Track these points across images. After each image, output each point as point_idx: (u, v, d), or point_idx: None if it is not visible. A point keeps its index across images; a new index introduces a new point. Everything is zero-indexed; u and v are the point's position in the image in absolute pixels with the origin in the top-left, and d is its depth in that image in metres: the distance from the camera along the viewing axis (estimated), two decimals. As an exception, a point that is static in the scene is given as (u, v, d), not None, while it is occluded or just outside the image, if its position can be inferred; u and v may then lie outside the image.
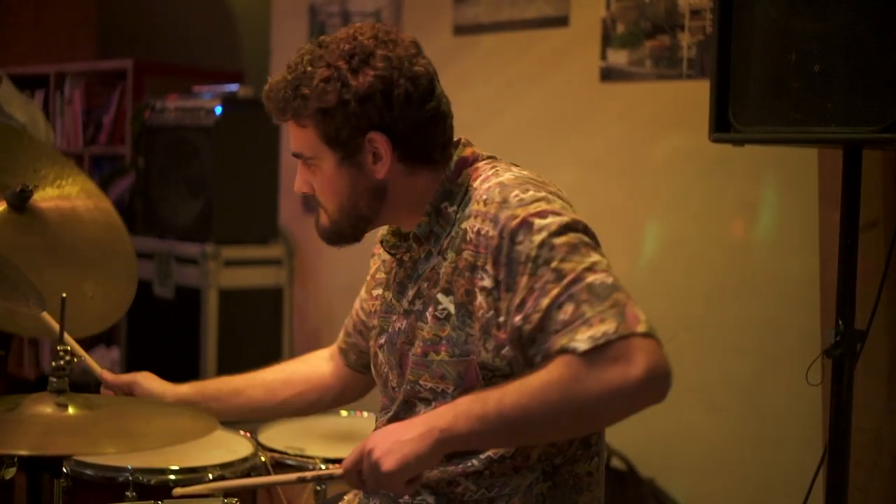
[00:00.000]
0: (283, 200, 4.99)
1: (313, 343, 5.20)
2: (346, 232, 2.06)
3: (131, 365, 4.90)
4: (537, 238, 1.84)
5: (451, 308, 1.96)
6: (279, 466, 2.75)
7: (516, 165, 2.06)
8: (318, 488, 2.68)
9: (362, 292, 2.33)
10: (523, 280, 1.84)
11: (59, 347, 1.78)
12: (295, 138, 2.03)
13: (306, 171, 2.05)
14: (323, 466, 2.69)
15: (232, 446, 2.79)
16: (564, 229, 1.85)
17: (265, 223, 4.86)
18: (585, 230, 1.89)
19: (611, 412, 1.81)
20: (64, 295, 1.80)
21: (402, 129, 1.97)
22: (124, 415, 1.85)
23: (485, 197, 1.94)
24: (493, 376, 1.92)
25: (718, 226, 3.77)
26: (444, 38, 4.46)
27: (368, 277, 2.29)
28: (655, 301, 3.99)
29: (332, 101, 1.94)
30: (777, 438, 3.58)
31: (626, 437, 3.20)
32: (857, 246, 2.47)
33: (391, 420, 2.07)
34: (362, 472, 1.85)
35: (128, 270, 2.26)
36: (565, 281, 1.81)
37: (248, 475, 2.70)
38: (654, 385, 1.78)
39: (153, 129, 4.91)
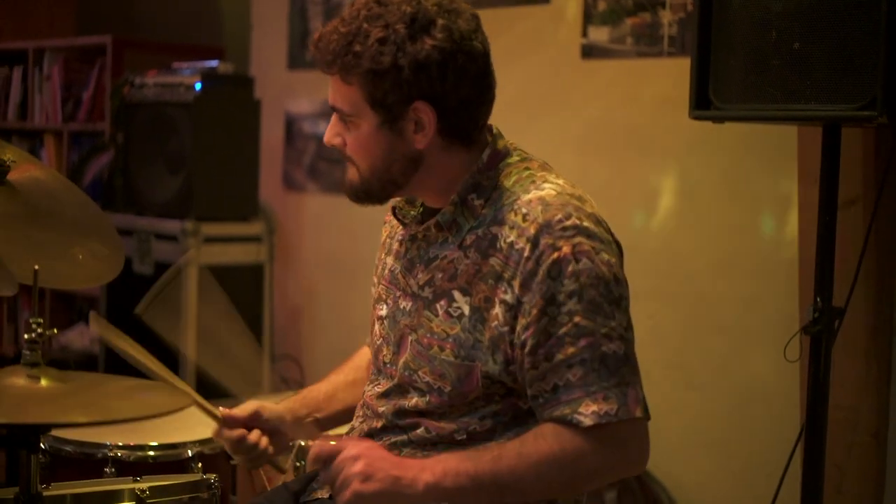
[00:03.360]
0: (264, 177, 4.97)
1: (294, 320, 5.21)
2: (374, 191, 2.01)
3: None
4: (570, 284, 1.85)
5: (466, 309, 1.94)
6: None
7: (548, 168, 2.05)
8: (298, 465, 2.67)
9: (377, 260, 2.26)
10: (542, 320, 1.86)
11: (31, 321, 1.77)
12: (336, 92, 1.96)
13: (341, 125, 1.99)
14: (302, 443, 2.69)
15: (211, 422, 2.78)
16: (596, 282, 1.86)
17: (245, 200, 4.84)
18: (609, 283, 1.88)
19: (597, 484, 1.94)
20: (36, 267, 1.79)
21: (451, 103, 1.93)
22: (97, 387, 1.85)
23: (524, 211, 1.91)
24: (492, 384, 1.93)
25: (698, 203, 3.77)
26: (425, 15, 4.45)
27: (381, 247, 2.24)
28: (635, 278, 3.98)
29: (386, 65, 1.88)
30: (755, 415, 3.59)
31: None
32: (836, 223, 2.48)
33: (381, 396, 2.07)
34: (332, 466, 1.85)
35: (112, 239, 2.25)
36: (582, 343, 1.84)
37: (227, 452, 2.69)
38: (641, 466, 1.92)
39: (132, 106, 4.88)
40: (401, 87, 1.90)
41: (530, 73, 4.15)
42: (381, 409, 2.06)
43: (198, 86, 4.59)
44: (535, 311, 1.86)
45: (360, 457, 1.84)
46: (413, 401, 2.00)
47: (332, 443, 1.89)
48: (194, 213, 4.61)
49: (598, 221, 1.94)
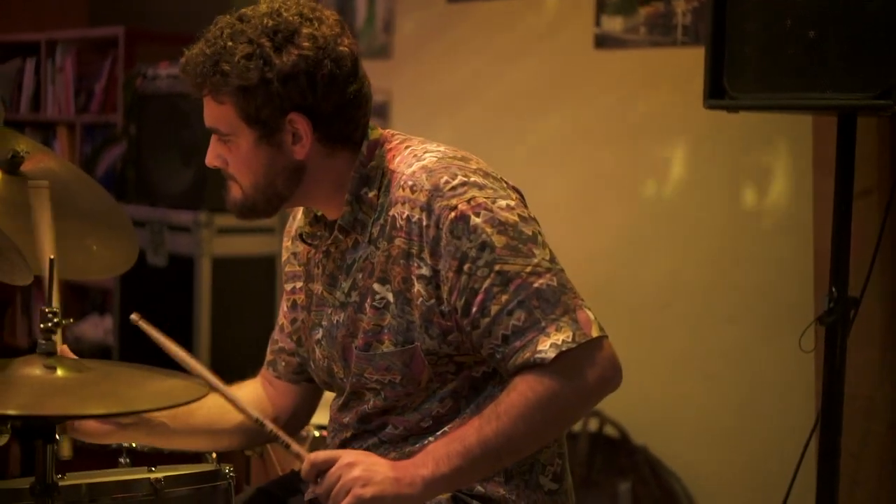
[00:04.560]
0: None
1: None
2: (259, 207, 2.01)
3: (124, 334, 4.90)
4: (476, 238, 1.85)
5: (390, 297, 1.94)
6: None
7: (428, 141, 2.04)
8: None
9: (284, 296, 2.21)
10: (462, 279, 1.86)
11: (46, 310, 1.76)
12: (211, 113, 1.96)
13: (220, 145, 1.98)
14: (316, 433, 2.69)
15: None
16: (502, 227, 1.86)
17: (258, 191, 4.83)
18: (517, 225, 1.87)
19: (585, 412, 1.93)
20: (52, 257, 1.79)
21: (325, 110, 1.92)
22: (114, 377, 1.84)
23: (410, 183, 1.91)
24: (439, 360, 1.94)
25: (712, 193, 3.76)
26: (438, 6, 4.44)
27: (283, 280, 2.22)
28: (648, 269, 3.99)
29: (254, 80, 1.88)
30: (770, 405, 3.58)
31: (620, 405, 3.20)
32: (851, 213, 2.47)
33: (342, 408, 2.08)
34: (327, 476, 1.84)
35: (126, 231, 2.25)
36: (512, 287, 1.84)
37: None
38: (616, 380, 1.89)
39: (145, 97, 4.88)
40: (272, 100, 1.89)
41: (543, 63, 4.14)
42: (345, 420, 2.08)
43: (210, 77, 4.58)
44: (451, 274, 1.86)
45: (356, 463, 1.83)
46: (371, 402, 2.02)
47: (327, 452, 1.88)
48: (207, 204, 4.61)
49: (486, 174, 1.94)
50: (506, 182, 1.97)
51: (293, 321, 2.17)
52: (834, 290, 2.46)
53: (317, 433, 2.70)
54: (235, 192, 2.02)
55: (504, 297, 1.84)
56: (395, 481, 1.82)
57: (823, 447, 2.49)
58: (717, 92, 2.49)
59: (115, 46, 5.39)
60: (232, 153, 1.97)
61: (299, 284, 2.16)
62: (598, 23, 3.94)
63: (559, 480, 2.04)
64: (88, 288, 5.62)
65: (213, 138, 1.99)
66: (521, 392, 1.84)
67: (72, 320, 1.85)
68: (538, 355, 1.82)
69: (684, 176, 3.82)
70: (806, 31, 2.33)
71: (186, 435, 2.15)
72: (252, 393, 2.22)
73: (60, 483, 1.75)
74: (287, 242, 2.20)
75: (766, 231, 3.62)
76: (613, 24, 3.89)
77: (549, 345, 1.82)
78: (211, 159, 2.01)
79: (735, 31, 2.45)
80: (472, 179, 1.90)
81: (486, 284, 1.85)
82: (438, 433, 1.97)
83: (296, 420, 2.25)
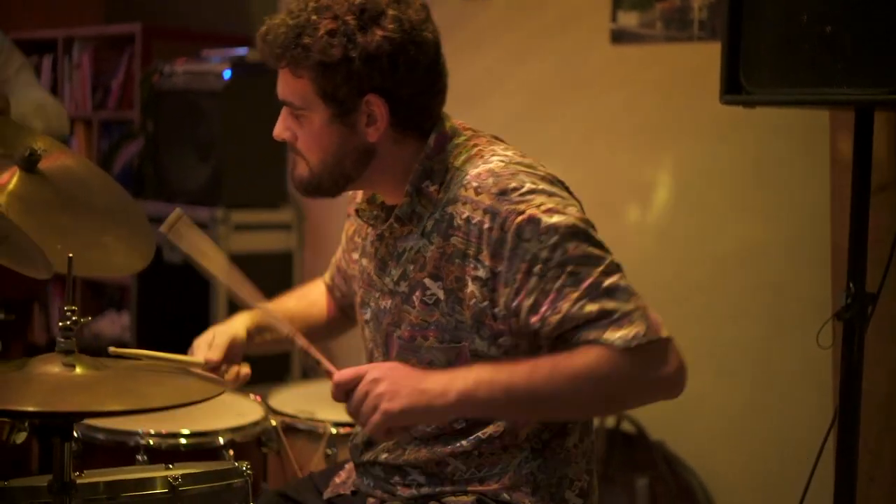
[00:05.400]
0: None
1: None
2: (325, 186, 1.99)
3: (142, 331, 4.91)
4: (547, 239, 1.82)
5: (441, 294, 1.93)
6: (290, 430, 2.75)
7: (498, 140, 2.02)
8: (329, 452, 2.69)
9: (343, 244, 2.27)
10: (531, 280, 1.82)
11: (66, 308, 1.77)
12: (286, 86, 1.94)
13: (291, 119, 1.97)
14: (334, 430, 2.70)
15: (243, 410, 2.80)
16: (573, 233, 1.83)
17: (275, 187, 4.85)
18: (587, 230, 1.86)
19: (634, 405, 1.94)
20: (71, 255, 1.80)
21: (402, 95, 1.90)
22: (132, 375, 1.85)
23: (475, 184, 1.89)
24: (483, 362, 1.91)
25: (729, 189, 3.76)
26: (454, 3, 4.43)
27: (345, 236, 2.25)
28: (665, 265, 3.98)
29: (336, 57, 1.85)
30: (787, 402, 3.58)
31: (636, 401, 3.21)
32: (869, 208, 2.46)
33: None
34: (354, 393, 1.81)
35: (143, 228, 2.26)
36: (584, 285, 1.80)
37: (258, 440, 2.71)
38: (681, 384, 1.85)
39: (162, 94, 4.89)
40: (352, 79, 1.87)
41: (559, 58, 4.14)
42: None
43: (227, 73, 4.60)
44: (519, 276, 1.83)
45: (382, 378, 1.80)
46: None
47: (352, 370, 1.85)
48: (224, 200, 4.63)
49: (553, 181, 1.93)
50: (571, 192, 1.95)
51: (354, 294, 2.17)
52: (851, 285, 2.45)
53: (334, 430, 2.70)
54: (302, 169, 1.99)
55: (575, 295, 1.80)
56: (422, 393, 1.78)
57: (841, 443, 2.49)
58: (734, 87, 2.48)
59: (132, 43, 5.41)
60: (303, 128, 1.95)
61: (355, 256, 2.17)
62: (614, 18, 3.93)
63: (585, 496, 2.02)
64: (105, 285, 5.64)
65: (284, 110, 1.97)
66: (584, 357, 1.79)
67: (89, 318, 1.85)
68: (604, 338, 1.78)
69: (701, 171, 3.81)
70: (822, 25, 2.32)
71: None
72: (318, 292, 2.39)
73: (78, 481, 1.76)
74: (352, 211, 2.18)
75: (782, 226, 3.61)
76: (629, 19, 3.88)
77: (618, 336, 1.78)
78: (280, 131, 1.99)
79: (751, 26, 2.44)
80: (540, 187, 1.88)
81: (557, 284, 1.81)
82: (472, 437, 1.96)
83: (338, 330, 2.41)
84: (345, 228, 2.25)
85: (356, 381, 1.82)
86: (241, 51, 4.77)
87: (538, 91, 4.21)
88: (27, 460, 3.73)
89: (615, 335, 1.78)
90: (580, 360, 1.79)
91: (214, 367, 2.12)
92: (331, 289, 2.39)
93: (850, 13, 2.28)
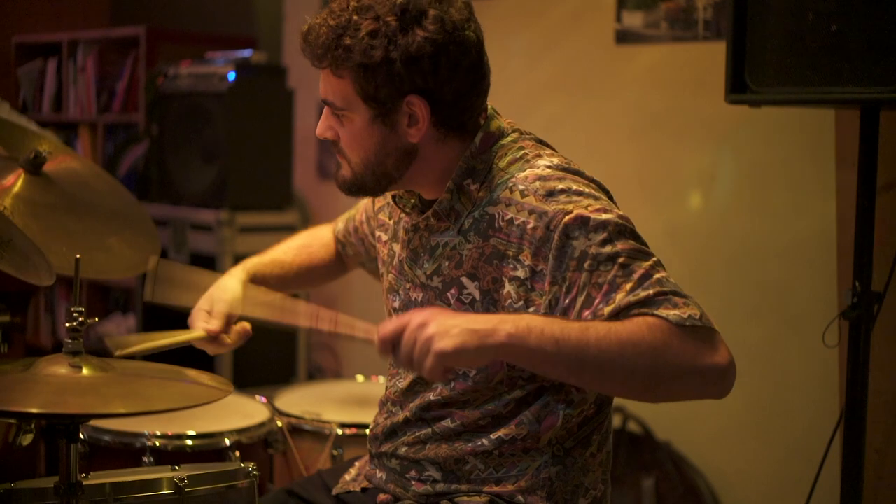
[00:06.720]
0: (298, 166, 4.98)
1: (328, 309, 5.20)
2: (367, 185, 1.98)
3: (147, 332, 4.90)
4: (597, 236, 1.80)
5: (477, 294, 1.92)
6: (296, 431, 2.75)
7: (543, 144, 2.01)
8: (335, 453, 2.68)
9: (370, 210, 2.29)
10: (582, 276, 1.79)
11: (72, 309, 1.77)
12: (328, 86, 1.92)
13: (333, 118, 1.95)
14: (339, 431, 2.70)
15: (249, 412, 2.80)
16: (621, 230, 1.81)
17: (280, 189, 4.85)
18: (634, 229, 1.85)
19: (680, 390, 1.79)
20: (78, 256, 1.80)
21: (444, 96, 1.88)
22: (138, 377, 1.85)
23: (521, 187, 1.88)
24: (513, 366, 1.91)
25: (735, 188, 3.75)
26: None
27: (373, 205, 2.24)
28: (671, 265, 3.97)
29: (377, 58, 1.83)
30: (794, 401, 3.57)
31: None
32: (874, 207, 2.46)
33: (408, 389, 2.06)
34: (402, 344, 1.74)
35: (148, 230, 2.26)
36: (636, 276, 1.77)
37: (264, 441, 2.71)
38: (730, 380, 1.79)
39: (166, 96, 4.89)
40: (393, 80, 1.85)
41: (564, 58, 4.14)
42: (406, 404, 2.06)
43: (231, 76, 4.60)
44: (569, 274, 1.81)
45: (428, 321, 1.72)
46: (438, 390, 1.99)
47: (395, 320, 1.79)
48: (229, 202, 4.63)
49: (600, 188, 1.92)
50: (612, 199, 1.94)
51: (381, 274, 2.18)
52: (857, 284, 2.45)
53: (340, 431, 2.70)
54: (345, 169, 1.98)
55: (629, 286, 1.77)
56: (473, 332, 1.70)
57: (847, 443, 2.49)
58: (739, 87, 2.48)
59: (137, 46, 5.41)
60: (344, 128, 1.94)
61: (385, 237, 2.15)
62: (618, 18, 3.93)
63: None
64: (111, 287, 5.65)
65: (326, 110, 1.96)
66: (637, 326, 1.74)
67: (96, 319, 1.85)
68: (659, 312, 1.74)
69: (706, 171, 3.81)
70: (828, 24, 2.32)
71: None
72: (320, 243, 2.49)
73: (84, 482, 1.76)
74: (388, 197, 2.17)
75: (788, 226, 3.60)
76: (634, 19, 3.88)
77: (673, 313, 1.74)
78: (322, 130, 1.98)
79: (756, 25, 2.44)
80: (586, 190, 1.87)
81: (609, 277, 1.78)
82: (493, 436, 1.95)
83: (333, 275, 2.53)
84: (376, 202, 2.24)
85: (401, 330, 1.75)
86: (246, 53, 4.78)
87: (543, 91, 4.21)
88: (34, 462, 3.73)
89: (670, 312, 1.74)
90: (633, 327, 1.74)
91: (215, 336, 2.16)
92: (342, 244, 2.41)
93: (856, 12, 2.28)
